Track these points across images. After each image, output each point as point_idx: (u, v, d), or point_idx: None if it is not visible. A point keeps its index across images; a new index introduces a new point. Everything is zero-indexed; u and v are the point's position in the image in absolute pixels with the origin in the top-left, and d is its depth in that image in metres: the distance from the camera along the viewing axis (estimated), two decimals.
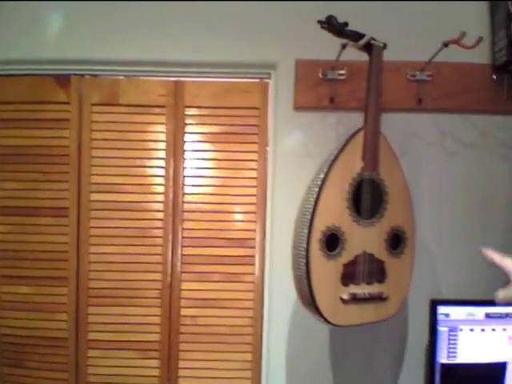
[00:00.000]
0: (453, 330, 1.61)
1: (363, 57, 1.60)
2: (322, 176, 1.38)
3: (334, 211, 1.38)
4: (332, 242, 1.39)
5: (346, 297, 1.40)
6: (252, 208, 1.84)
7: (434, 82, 1.75)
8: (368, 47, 1.44)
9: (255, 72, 1.83)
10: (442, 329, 1.61)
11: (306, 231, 1.35)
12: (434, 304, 1.61)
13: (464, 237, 1.79)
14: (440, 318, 1.60)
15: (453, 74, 1.75)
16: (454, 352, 1.60)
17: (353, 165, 1.41)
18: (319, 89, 1.76)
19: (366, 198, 1.43)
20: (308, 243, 1.34)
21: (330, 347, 1.79)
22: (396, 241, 1.50)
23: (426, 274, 1.79)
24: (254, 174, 1.85)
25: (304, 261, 1.34)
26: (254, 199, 1.85)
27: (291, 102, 1.79)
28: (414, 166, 1.79)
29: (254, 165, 1.85)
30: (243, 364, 1.87)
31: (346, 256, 1.40)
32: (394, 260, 1.48)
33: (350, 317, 1.42)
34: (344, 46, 1.49)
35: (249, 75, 1.84)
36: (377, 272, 1.45)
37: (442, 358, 1.61)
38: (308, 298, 1.36)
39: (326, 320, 1.38)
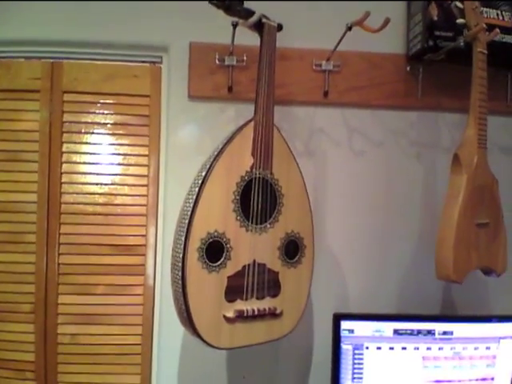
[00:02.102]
0: (358, 347, 1.44)
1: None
2: (203, 173, 1.16)
3: (218, 215, 1.18)
4: (215, 250, 1.18)
5: (230, 315, 1.19)
6: (142, 210, 1.62)
7: (342, 72, 1.59)
8: (259, 27, 1.24)
9: (145, 55, 1.60)
10: (346, 346, 1.44)
11: (182, 238, 1.13)
12: (337, 318, 1.44)
13: (374, 243, 1.64)
14: (343, 334, 1.43)
15: (362, 64, 1.60)
16: (360, 373, 1.43)
17: (241, 161, 1.21)
18: (216, 76, 1.56)
19: (257, 200, 1.23)
20: (184, 252, 1.13)
21: (226, 367, 1.58)
22: (293, 249, 1.30)
23: (332, 285, 1.63)
24: (144, 171, 1.63)
25: (180, 273, 1.12)
26: (144, 200, 1.62)
27: (185, 91, 1.56)
28: (320, 166, 1.63)
29: (144, 161, 1.63)
30: None
31: (232, 267, 1.20)
32: (290, 271, 1.30)
33: (237, 338, 1.22)
34: (235, 25, 1.29)
35: (137, 58, 1.61)
36: (269, 285, 1.26)
37: (347, 380, 1.43)
38: (185, 316, 1.14)
39: (205, 342, 1.16)
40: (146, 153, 1.62)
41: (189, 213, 1.15)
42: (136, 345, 1.63)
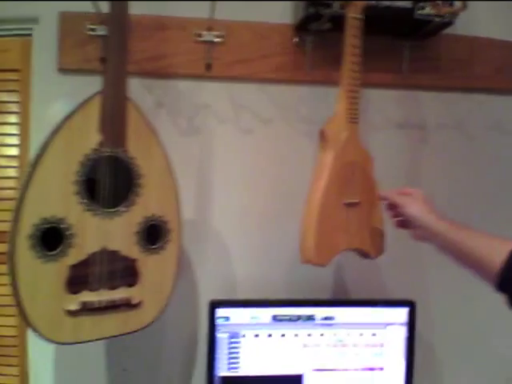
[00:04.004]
0: (234, 335, 1.36)
1: (143, 10, 1.42)
2: (36, 153, 1.04)
3: (56, 198, 1.07)
4: (55, 237, 1.06)
5: (74, 307, 1.09)
6: (11, 194, 1.48)
7: (226, 44, 1.47)
8: None
9: (14, 28, 1.47)
10: (221, 335, 1.35)
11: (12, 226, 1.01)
12: (213, 306, 1.35)
13: (264, 225, 1.55)
14: (219, 322, 1.34)
15: (247, 35, 1.49)
16: (236, 362, 1.36)
17: (84, 138, 1.10)
18: (88, 47, 1.43)
19: (107, 181, 1.12)
20: (13, 241, 1.01)
21: (105, 359, 1.49)
22: (155, 234, 1.20)
23: (220, 269, 1.55)
24: (14, 151, 1.49)
25: (10, 264, 1.01)
26: (14, 182, 1.48)
27: (55, 64, 1.43)
28: (207, 144, 1.52)
29: (15, 140, 1.49)
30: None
31: (76, 255, 1.09)
32: (152, 257, 1.20)
33: (84, 331, 1.13)
34: None
35: (8, 32, 1.47)
36: (124, 273, 1.16)
37: (222, 370, 1.35)
38: (19, 309, 1.03)
39: (44, 337, 1.06)
40: (17, 132, 1.49)
41: (18, 197, 1.03)
42: (12, 337, 1.52)
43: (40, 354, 1.50)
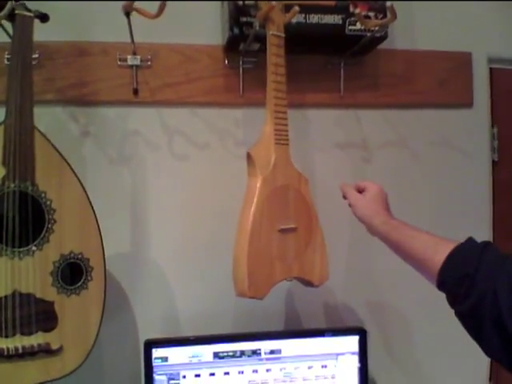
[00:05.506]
0: (173, 377, 1.26)
1: (63, 36, 1.35)
2: None
3: None
4: None
5: None
6: None
7: (153, 68, 1.41)
8: (13, 18, 1.05)
9: None
10: (160, 377, 1.25)
11: None
12: (149, 346, 1.25)
13: (206, 254, 1.47)
14: (156, 363, 1.24)
15: (174, 57, 1.43)
16: None
17: None
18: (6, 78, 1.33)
19: (14, 219, 1.02)
20: None
21: None
22: (75, 273, 1.10)
23: (159, 306, 1.47)
24: None
25: None
26: None
27: None
28: (139, 173, 1.44)
29: None
30: None
31: None
32: (71, 299, 1.11)
33: (4, 378, 1.04)
34: None
35: None
36: (39, 317, 1.07)
37: None
38: None
39: None
40: None
41: None
42: None
43: None
